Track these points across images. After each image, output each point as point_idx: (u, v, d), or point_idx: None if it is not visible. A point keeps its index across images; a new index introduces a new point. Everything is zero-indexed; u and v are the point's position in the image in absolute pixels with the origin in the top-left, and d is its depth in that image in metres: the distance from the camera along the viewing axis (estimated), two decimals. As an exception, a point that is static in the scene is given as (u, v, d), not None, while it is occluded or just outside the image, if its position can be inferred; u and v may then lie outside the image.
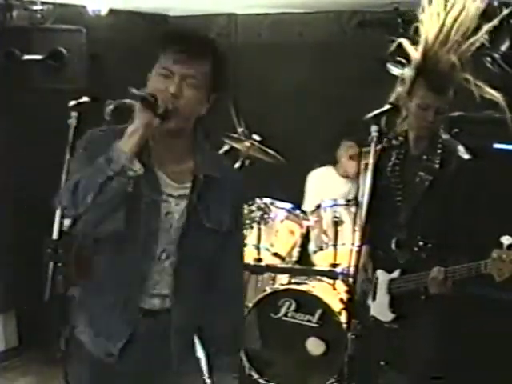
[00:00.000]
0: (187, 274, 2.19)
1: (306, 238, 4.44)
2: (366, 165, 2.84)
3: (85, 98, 2.99)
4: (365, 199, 2.73)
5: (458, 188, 2.84)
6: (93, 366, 2.21)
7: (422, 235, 2.91)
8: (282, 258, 4.35)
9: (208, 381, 2.21)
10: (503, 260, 2.61)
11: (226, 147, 4.53)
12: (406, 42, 2.95)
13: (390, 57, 4.16)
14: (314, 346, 4.00)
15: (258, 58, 5.39)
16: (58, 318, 3.42)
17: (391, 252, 2.97)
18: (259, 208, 4.00)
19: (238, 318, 2.39)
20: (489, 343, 3.84)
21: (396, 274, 2.95)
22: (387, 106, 2.84)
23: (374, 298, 3.03)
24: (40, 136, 4.33)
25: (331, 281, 4.11)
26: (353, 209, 4.03)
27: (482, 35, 2.85)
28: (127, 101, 3.46)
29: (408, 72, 2.93)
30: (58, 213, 2.84)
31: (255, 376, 4.07)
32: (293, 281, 4.26)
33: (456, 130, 3.57)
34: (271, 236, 4.31)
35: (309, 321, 4.01)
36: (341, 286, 3.98)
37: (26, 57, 4.14)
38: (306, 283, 4.19)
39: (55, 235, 2.81)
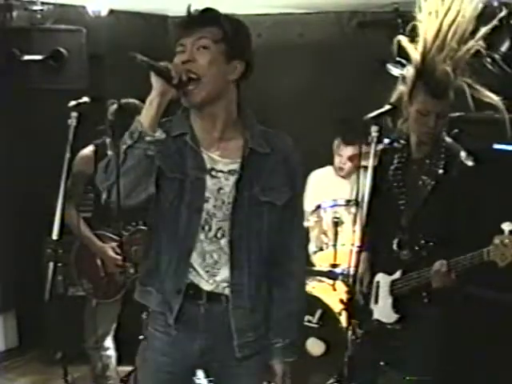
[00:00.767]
0: (244, 251, 2.18)
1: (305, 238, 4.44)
2: (366, 166, 2.84)
3: (85, 98, 2.98)
4: (365, 200, 2.72)
5: (461, 193, 2.84)
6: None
7: (424, 235, 2.90)
8: (282, 258, 4.34)
9: None
10: (505, 245, 2.60)
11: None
12: (404, 40, 2.93)
13: (389, 57, 4.16)
14: (314, 346, 4.00)
15: (258, 59, 5.38)
16: (58, 318, 3.42)
17: (393, 253, 2.96)
18: None
19: (299, 302, 2.35)
20: (489, 343, 3.85)
21: (398, 274, 2.95)
22: (387, 107, 2.83)
23: (376, 301, 3.02)
24: (40, 136, 4.34)
25: (331, 281, 4.11)
26: (353, 209, 4.03)
27: (479, 40, 2.83)
28: (131, 100, 3.46)
29: (409, 71, 2.91)
30: (58, 213, 2.84)
31: (255, 376, 4.07)
32: (293, 281, 4.25)
33: (456, 130, 3.57)
34: (271, 236, 4.31)
35: (309, 321, 4.01)
36: (341, 287, 3.98)
37: (26, 57, 4.15)
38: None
39: (55, 235, 2.81)
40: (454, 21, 2.78)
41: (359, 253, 2.69)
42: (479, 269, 2.73)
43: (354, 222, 3.07)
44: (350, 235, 3.96)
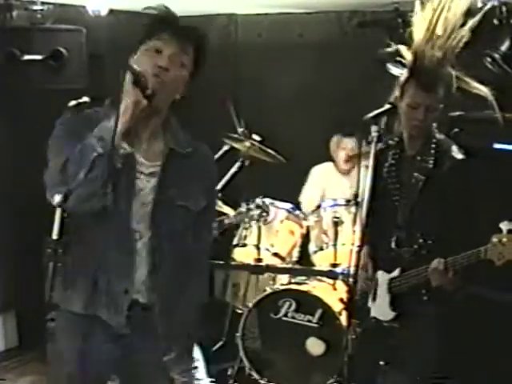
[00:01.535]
0: (160, 253, 2.22)
1: (306, 238, 4.45)
2: (366, 165, 2.84)
3: (85, 98, 2.98)
4: (365, 199, 2.73)
5: (452, 187, 2.84)
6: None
7: (422, 233, 2.91)
8: (282, 258, 4.35)
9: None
10: (503, 244, 2.62)
11: (226, 147, 4.54)
12: (402, 47, 2.96)
13: (389, 57, 4.16)
14: (314, 346, 4.00)
15: (258, 58, 5.39)
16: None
17: (391, 251, 2.97)
18: (258, 206, 3.98)
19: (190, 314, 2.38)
20: (489, 343, 3.85)
21: (396, 272, 2.95)
22: (387, 106, 2.85)
23: (374, 299, 3.03)
24: (40, 136, 4.33)
25: (331, 281, 4.11)
26: (353, 209, 4.04)
27: (467, 31, 2.84)
28: None
29: (403, 74, 2.94)
30: (57, 213, 2.83)
31: (255, 376, 4.07)
32: (293, 281, 4.26)
33: (456, 129, 3.57)
34: (271, 236, 4.31)
35: (309, 321, 4.02)
36: (341, 286, 3.98)
37: (26, 57, 4.14)
38: (306, 283, 4.19)
39: (55, 235, 2.80)
40: (443, 16, 2.79)
41: (359, 252, 2.69)
42: (478, 267, 2.73)
43: (354, 221, 3.07)
44: (350, 235, 3.97)
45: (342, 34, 5.08)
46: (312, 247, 4.33)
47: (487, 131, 3.65)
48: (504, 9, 3.75)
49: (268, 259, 4.26)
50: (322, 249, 4.23)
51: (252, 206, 3.97)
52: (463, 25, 2.82)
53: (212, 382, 3.95)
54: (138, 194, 2.18)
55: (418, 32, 2.84)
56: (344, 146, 4.69)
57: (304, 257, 4.47)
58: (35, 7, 4.24)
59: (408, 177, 2.94)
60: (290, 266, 4.37)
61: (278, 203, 4.40)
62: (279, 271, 4.36)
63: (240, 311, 4.33)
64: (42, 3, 4.25)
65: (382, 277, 3.00)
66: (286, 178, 4.78)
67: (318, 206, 4.34)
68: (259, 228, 4.18)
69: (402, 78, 2.91)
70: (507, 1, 3.76)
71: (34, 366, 4.46)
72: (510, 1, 3.77)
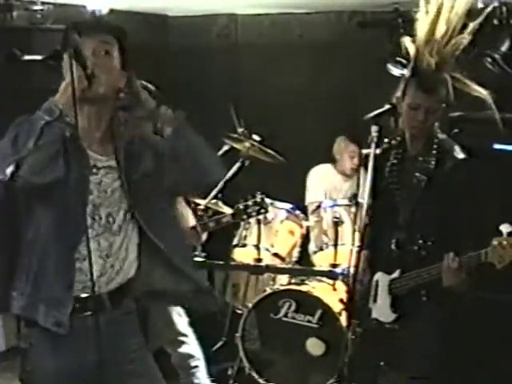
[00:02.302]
0: (134, 233, 2.34)
1: (306, 238, 4.45)
2: (366, 165, 2.84)
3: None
4: (365, 199, 2.73)
5: (454, 187, 2.84)
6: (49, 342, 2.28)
7: (422, 234, 2.90)
8: (282, 259, 4.34)
9: None
10: (503, 247, 2.61)
11: (226, 147, 4.53)
12: (407, 40, 2.94)
13: (389, 57, 4.16)
14: (314, 347, 4.00)
15: (258, 58, 5.39)
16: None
17: (391, 252, 2.96)
18: (255, 203, 3.96)
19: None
20: (489, 343, 3.85)
21: (396, 274, 2.95)
22: (387, 106, 2.85)
23: (375, 301, 3.02)
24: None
25: (331, 281, 4.11)
26: (353, 209, 4.04)
27: (467, 35, 2.83)
28: None
29: (405, 74, 2.94)
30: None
31: (255, 376, 4.07)
32: (293, 281, 4.26)
33: (456, 130, 3.57)
34: (271, 236, 4.31)
35: (309, 321, 4.01)
36: (341, 287, 3.98)
37: (26, 57, 4.13)
38: (306, 284, 4.19)
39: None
40: (445, 16, 2.79)
41: (359, 253, 2.69)
42: (478, 269, 2.73)
43: (354, 221, 3.07)
44: (350, 235, 3.97)
45: (342, 34, 5.08)
46: (312, 247, 4.33)
47: (487, 131, 3.65)
48: (504, 9, 3.75)
49: (268, 259, 4.25)
50: (321, 249, 4.23)
51: (250, 202, 3.94)
52: (463, 27, 2.82)
53: (212, 381, 3.96)
54: (100, 185, 2.28)
55: (420, 32, 2.84)
56: (352, 152, 4.66)
57: (304, 257, 4.47)
58: (35, 7, 4.23)
59: (409, 177, 2.94)
60: (289, 266, 4.37)
61: (278, 203, 4.40)
62: (279, 271, 4.35)
63: (240, 311, 4.33)
64: (42, 3, 4.25)
65: (383, 278, 3.00)
66: (286, 178, 4.78)
67: (318, 206, 4.34)
68: (259, 228, 4.18)
69: (405, 78, 2.90)
70: (507, 1, 3.77)
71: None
72: (510, 1, 3.78)
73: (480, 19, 2.88)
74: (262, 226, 4.21)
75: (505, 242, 2.61)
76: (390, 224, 2.97)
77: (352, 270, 2.72)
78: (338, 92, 4.99)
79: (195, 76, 5.46)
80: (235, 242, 4.40)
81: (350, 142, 4.70)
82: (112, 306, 2.31)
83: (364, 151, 2.90)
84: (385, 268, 2.99)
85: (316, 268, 4.26)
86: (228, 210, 4.13)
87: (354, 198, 4.00)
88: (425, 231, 2.90)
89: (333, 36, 5.12)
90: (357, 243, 2.74)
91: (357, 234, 2.76)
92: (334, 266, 4.07)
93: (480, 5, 3.39)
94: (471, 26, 2.83)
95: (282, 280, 4.35)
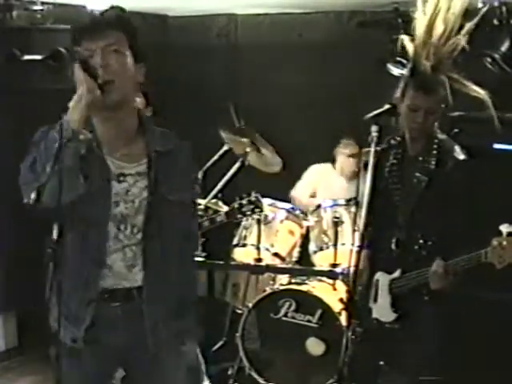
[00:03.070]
0: (157, 249, 2.28)
1: (306, 238, 4.44)
2: (366, 165, 2.84)
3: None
4: (365, 199, 2.73)
5: (454, 188, 2.84)
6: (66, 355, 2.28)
7: (422, 234, 2.91)
8: (282, 258, 4.34)
9: None
10: (503, 247, 2.61)
11: (226, 147, 4.54)
12: (406, 39, 2.94)
13: (389, 57, 4.16)
14: (314, 346, 4.00)
15: (258, 58, 5.39)
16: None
17: (392, 252, 2.96)
18: (250, 202, 3.95)
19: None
20: (489, 343, 3.85)
21: (397, 273, 2.95)
22: (387, 106, 2.84)
23: (375, 300, 3.02)
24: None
25: (331, 281, 4.11)
26: (353, 209, 4.03)
27: (463, 36, 2.83)
28: None
29: (404, 74, 2.94)
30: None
31: (255, 376, 4.07)
32: (293, 281, 4.26)
33: (456, 130, 3.57)
34: (271, 236, 4.31)
35: (309, 321, 4.01)
36: (341, 286, 3.98)
37: (26, 57, 4.14)
38: (306, 283, 4.19)
39: (55, 235, 2.80)
40: (442, 17, 2.79)
41: (359, 252, 2.69)
42: (478, 269, 2.73)
43: (354, 221, 3.07)
44: (350, 235, 3.97)
45: (342, 34, 5.08)
46: (312, 247, 4.33)
47: (487, 131, 3.66)
48: (504, 9, 3.75)
49: (268, 259, 4.25)
50: (321, 249, 4.23)
51: (244, 201, 3.93)
52: (460, 28, 2.82)
53: (212, 381, 3.96)
54: (127, 194, 2.24)
55: (418, 28, 2.84)
56: (352, 153, 4.65)
57: (304, 257, 4.46)
58: (35, 7, 4.23)
59: (410, 177, 2.94)
60: (289, 266, 4.37)
61: (277, 203, 4.40)
62: (279, 271, 4.35)
63: (240, 311, 4.33)
64: (42, 3, 4.25)
65: (383, 278, 3.00)
66: (286, 179, 4.78)
67: (318, 206, 4.34)
68: (259, 228, 4.18)
69: (404, 78, 2.91)
70: (507, 1, 3.77)
71: (34, 366, 4.45)
72: (510, 1, 3.78)
73: (476, 20, 2.88)
74: (262, 225, 4.21)
75: (505, 243, 2.62)
76: (390, 224, 2.97)
77: (352, 269, 2.72)
78: (338, 92, 4.99)
79: (195, 76, 5.46)
80: (235, 241, 4.39)
81: (350, 143, 4.69)
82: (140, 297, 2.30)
83: (364, 151, 2.91)
84: (385, 267, 2.99)
85: (316, 268, 4.26)
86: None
87: (353, 198, 4.00)
88: (425, 231, 2.90)
89: (333, 36, 5.12)
90: (357, 243, 2.74)
91: (357, 234, 2.76)
92: (334, 265, 4.07)
93: (480, 4, 3.39)
94: (467, 26, 2.84)
95: (282, 280, 4.35)
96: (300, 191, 4.79)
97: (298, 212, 4.46)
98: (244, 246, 4.34)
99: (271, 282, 4.39)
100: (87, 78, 2.07)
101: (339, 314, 3.81)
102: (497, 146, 3.91)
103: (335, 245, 4.10)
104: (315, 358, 3.99)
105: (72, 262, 2.26)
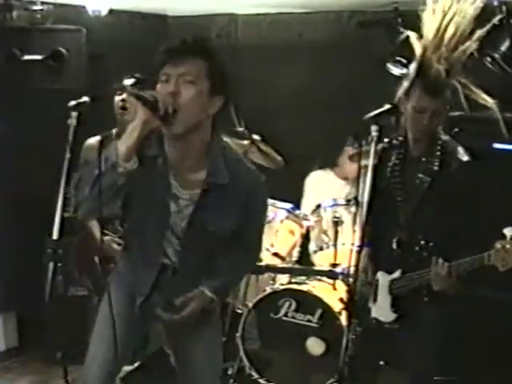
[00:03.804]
0: (188, 272, 2.40)
1: (306, 238, 4.44)
2: (366, 165, 2.84)
3: (85, 98, 2.99)
4: (365, 199, 2.72)
5: (458, 189, 2.83)
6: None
7: (424, 235, 2.90)
8: (282, 258, 4.34)
9: None
10: (507, 250, 2.61)
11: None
12: (412, 36, 2.92)
13: (389, 56, 4.16)
14: (314, 346, 4.00)
15: (258, 58, 5.39)
16: (58, 317, 3.42)
17: (392, 252, 2.96)
18: None
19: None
20: (489, 343, 3.85)
21: (397, 274, 2.95)
22: (387, 106, 2.83)
23: (375, 300, 3.02)
24: (40, 136, 4.34)
25: (331, 281, 4.11)
26: (353, 209, 4.03)
27: (474, 41, 2.83)
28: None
29: (411, 68, 2.91)
30: (58, 213, 2.84)
31: (255, 376, 4.07)
32: (293, 281, 4.26)
33: (456, 129, 3.56)
34: (271, 236, 4.31)
35: (309, 321, 4.01)
36: (341, 286, 3.98)
37: (26, 57, 4.14)
38: (306, 283, 4.19)
39: (55, 235, 2.81)
40: (453, 20, 2.78)
41: (359, 252, 2.69)
42: (480, 269, 2.73)
43: (354, 221, 3.07)
44: (350, 235, 3.97)
45: (342, 34, 5.07)
46: (312, 247, 4.33)
47: (487, 131, 3.66)
48: (504, 9, 3.75)
49: (268, 259, 4.25)
50: (321, 249, 4.23)
51: None
52: (471, 32, 2.81)
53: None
54: (177, 214, 2.34)
55: (428, 30, 2.82)
56: (353, 155, 4.62)
57: (304, 257, 4.46)
58: (35, 7, 4.24)
59: (412, 178, 2.93)
60: (290, 265, 4.37)
61: (277, 203, 4.39)
62: (279, 271, 4.35)
63: (240, 311, 4.33)
64: (42, 3, 4.25)
65: (383, 278, 2.99)
66: (286, 179, 4.77)
67: (318, 206, 4.34)
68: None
69: (409, 77, 2.89)
70: (507, 0, 3.77)
71: (34, 366, 4.45)
72: (510, 0, 3.78)
73: (488, 26, 2.87)
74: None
75: (508, 246, 2.61)
76: (390, 223, 2.97)
77: (352, 269, 2.72)
78: (338, 92, 4.99)
79: (195, 76, 5.45)
80: (235, 241, 4.39)
81: (350, 145, 4.67)
82: None
83: (364, 151, 2.90)
84: (385, 267, 2.99)
85: (316, 268, 4.26)
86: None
87: (354, 198, 4.00)
88: (427, 232, 2.89)
89: (333, 36, 5.12)
90: (357, 243, 2.73)
91: (357, 234, 2.75)
92: (334, 265, 4.07)
93: (480, 4, 3.38)
94: (478, 32, 2.82)
95: (282, 280, 4.35)
96: (311, 204, 4.75)
97: (298, 212, 4.46)
98: (244, 245, 4.33)
99: (271, 282, 4.39)
100: (145, 110, 2.11)
101: (339, 313, 3.81)
102: (497, 145, 3.90)
103: (335, 244, 4.10)
104: (315, 357, 3.99)
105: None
